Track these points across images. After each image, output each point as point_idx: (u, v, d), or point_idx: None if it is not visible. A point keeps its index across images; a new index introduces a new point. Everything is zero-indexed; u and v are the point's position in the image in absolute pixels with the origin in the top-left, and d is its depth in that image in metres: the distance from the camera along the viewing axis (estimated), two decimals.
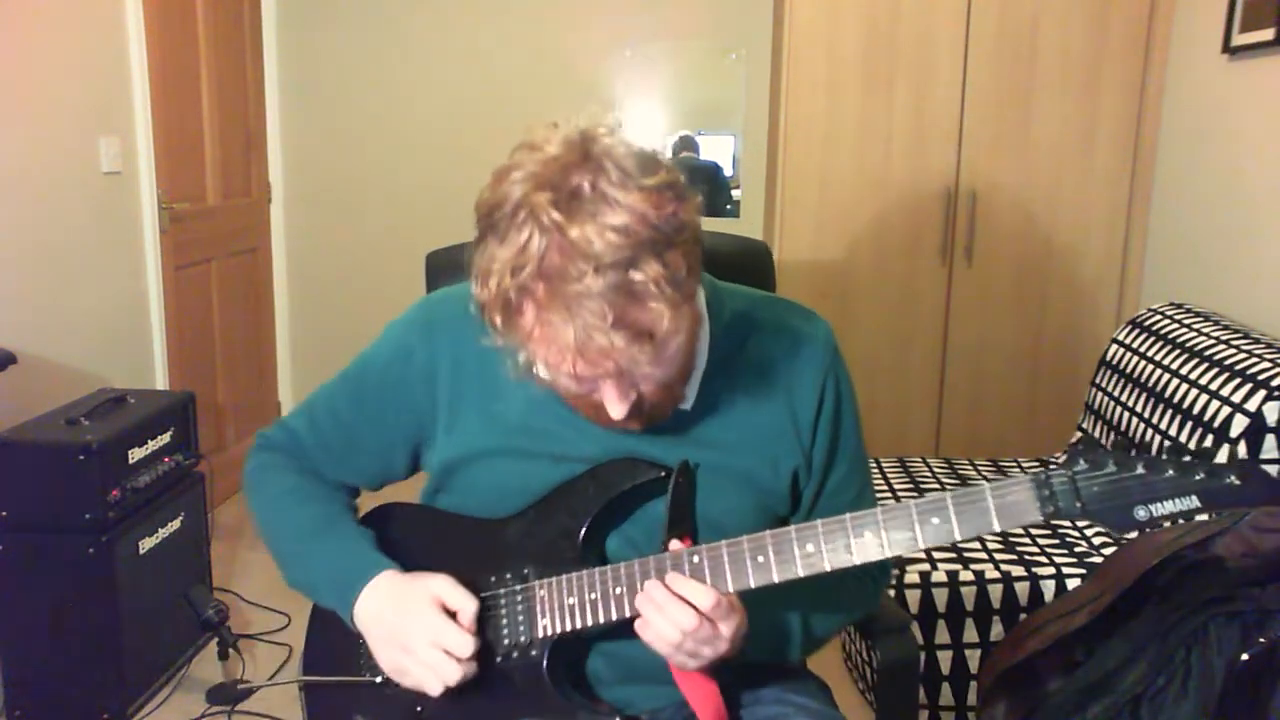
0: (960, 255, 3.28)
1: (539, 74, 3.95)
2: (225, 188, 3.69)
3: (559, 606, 1.12)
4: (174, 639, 2.58)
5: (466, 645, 1.10)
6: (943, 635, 2.19)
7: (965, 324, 3.33)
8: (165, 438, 2.55)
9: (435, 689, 1.11)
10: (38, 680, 2.33)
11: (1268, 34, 2.55)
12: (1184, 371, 2.35)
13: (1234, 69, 2.78)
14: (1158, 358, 2.50)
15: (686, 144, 3.97)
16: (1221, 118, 2.85)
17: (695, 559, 1.06)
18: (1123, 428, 2.57)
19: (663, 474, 1.12)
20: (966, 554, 2.25)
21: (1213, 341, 2.38)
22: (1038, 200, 3.24)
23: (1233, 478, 0.93)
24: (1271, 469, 1.95)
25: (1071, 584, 2.15)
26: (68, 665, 2.31)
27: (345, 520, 1.25)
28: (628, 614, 1.08)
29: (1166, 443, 2.28)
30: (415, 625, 1.11)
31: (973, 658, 2.19)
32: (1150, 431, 2.41)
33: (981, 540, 2.31)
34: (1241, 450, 2.04)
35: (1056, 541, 2.32)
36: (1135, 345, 2.64)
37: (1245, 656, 1.41)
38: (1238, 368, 2.19)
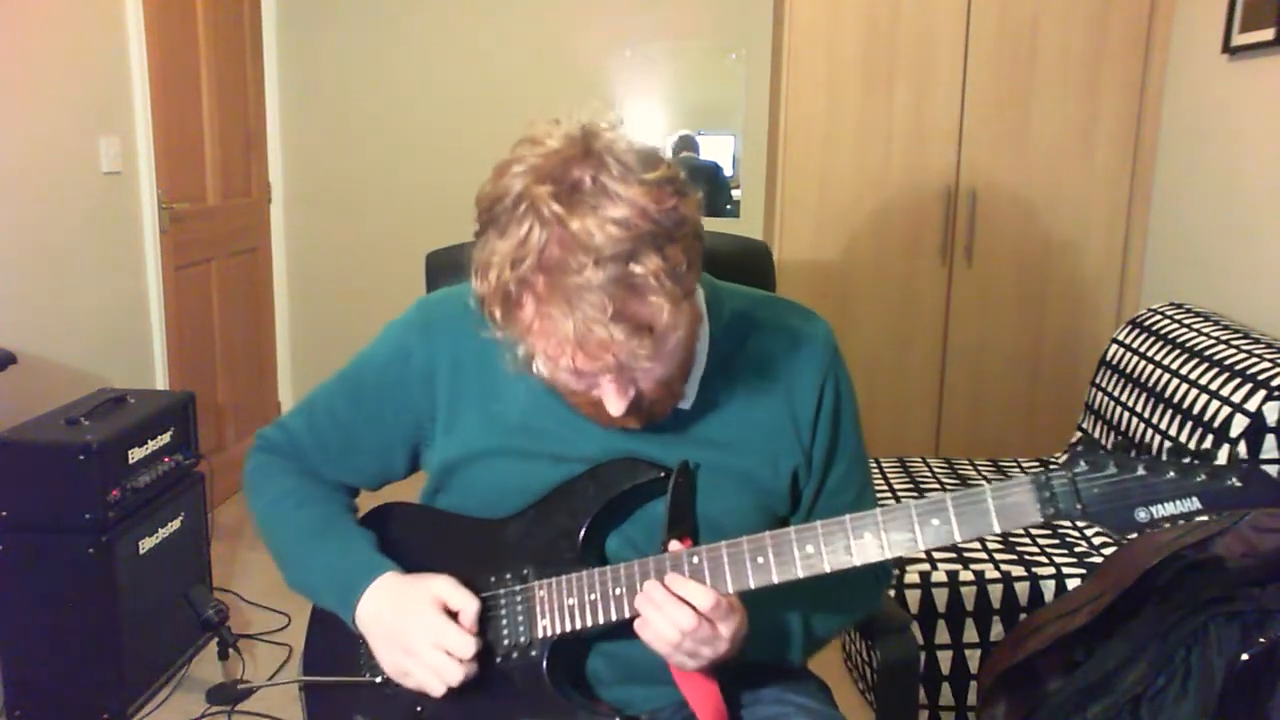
0: (960, 255, 3.28)
1: (539, 74, 3.95)
2: (225, 188, 3.69)
3: (559, 607, 1.12)
4: (174, 639, 2.58)
5: (468, 646, 1.10)
6: (943, 635, 2.19)
7: (965, 324, 3.33)
8: (165, 438, 2.55)
9: (438, 690, 1.11)
10: (38, 680, 2.33)
11: (1268, 34, 2.55)
12: (1184, 371, 2.35)
13: (1234, 69, 2.78)
14: (1158, 358, 2.50)
15: (686, 144, 3.97)
16: (1221, 118, 2.85)
17: (695, 560, 1.06)
18: (1123, 428, 2.57)
19: (662, 474, 1.12)
20: (966, 554, 2.25)
21: (1213, 341, 2.38)
22: (1038, 200, 3.24)
23: (1234, 479, 0.93)
24: (1271, 469, 1.95)
25: (1071, 584, 2.15)
26: (68, 665, 2.31)
27: (345, 521, 1.25)
28: (627, 614, 1.08)
29: (1167, 443, 2.28)
30: (416, 626, 1.11)
31: (973, 658, 2.19)
32: (1150, 432, 2.41)
33: (981, 540, 2.31)
34: (1241, 450, 2.04)
35: (1056, 541, 2.32)
36: (1135, 345, 2.64)
37: (1245, 656, 1.41)
38: (1238, 368, 2.19)
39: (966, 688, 2.20)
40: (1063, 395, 3.31)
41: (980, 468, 2.83)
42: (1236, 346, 2.30)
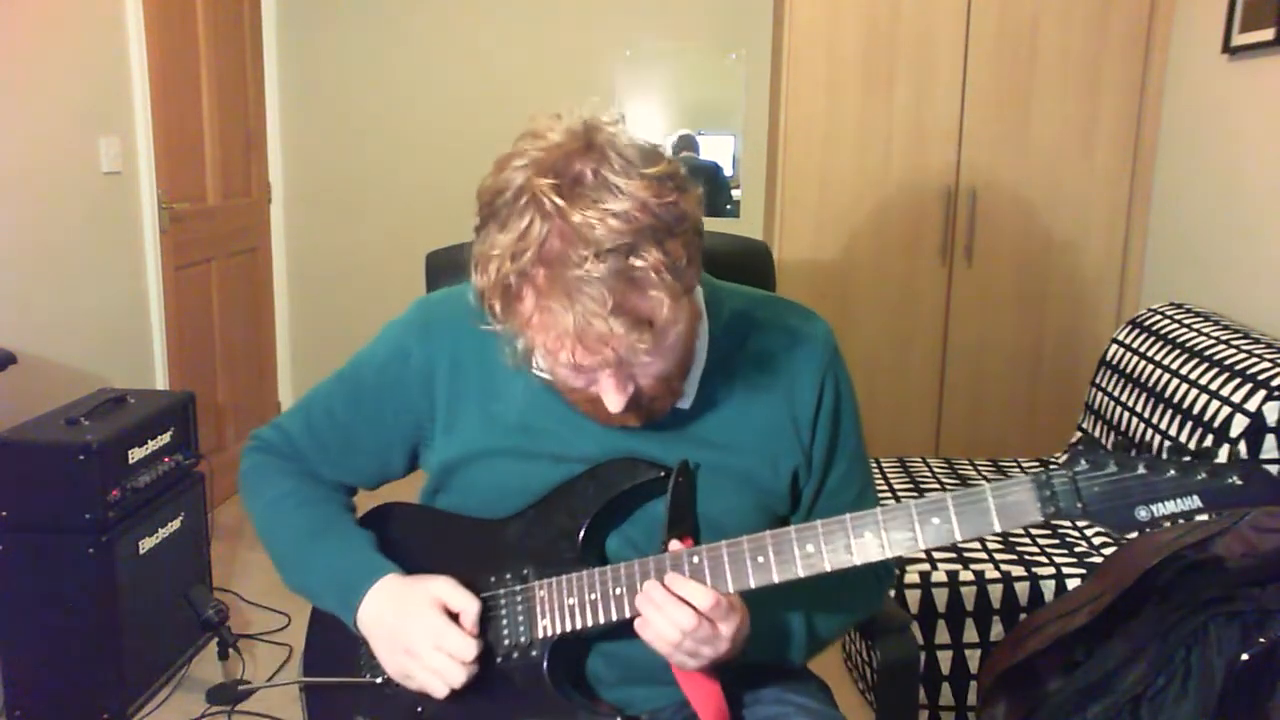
0: (960, 255, 3.28)
1: (539, 74, 3.95)
2: (225, 188, 3.69)
3: (559, 607, 1.12)
4: (174, 639, 2.58)
5: (470, 648, 1.10)
6: (943, 635, 2.18)
7: (965, 324, 3.33)
8: (165, 438, 2.55)
9: (441, 692, 1.11)
10: (38, 680, 2.33)
11: (1268, 34, 2.55)
12: (1184, 371, 2.35)
13: (1234, 69, 2.78)
14: (1158, 358, 2.50)
15: (686, 144, 3.97)
16: (1221, 118, 2.85)
17: (695, 559, 1.06)
18: (1123, 428, 2.57)
19: (662, 474, 1.12)
20: (966, 554, 2.25)
21: (1213, 341, 2.38)
22: (1038, 200, 3.24)
23: (1235, 478, 0.93)
24: (1272, 469, 1.95)
25: (1071, 584, 2.15)
26: (68, 665, 2.31)
27: (345, 522, 1.25)
28: (628, 614, 1.08)
29: (1167, 443, 2.28)
30: (418, 629, 1.11)
31: (973, 658, 2.19)
32: (1150, 431, 2.41)
33: (981, 540, 2.31)
34: (1241, 450, 2.04)
35: (1056, 541, 2.32)
36: (1135, 345, 2.64)
37: (1245, 656, 1.41)
38: (1238, 368, 2.19)
39: (966, 688, 2.20)
40: (1063, 395, 3.31)
41: (980, 468, 2.83)
42: (1236, 346, 2.30)
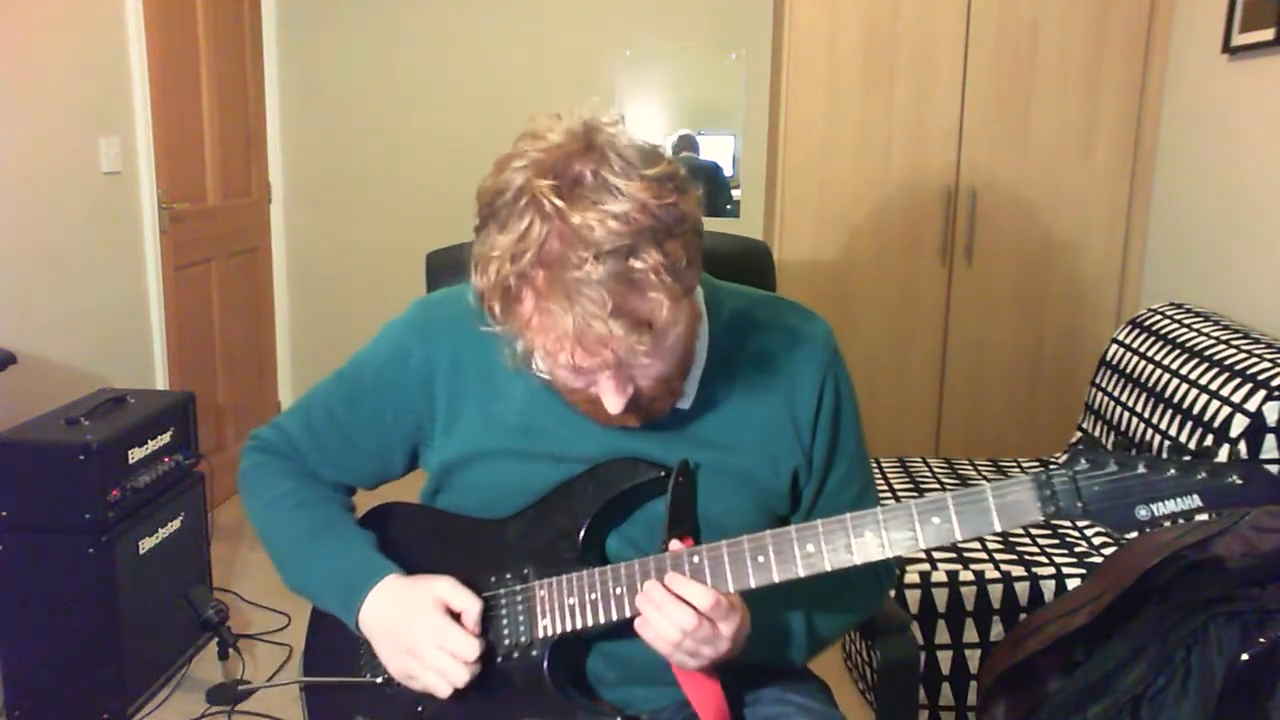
0: (960, 255, 3.28)
1: (539, 74, 3.95)
2: (225, 188, 3.69)
3: (559, 606, 1.12)
4: (174, 639, 2.58)
5: (472, 648, 1.10)
6: (943, 635, 2.18)
7: (965, 324, 3.33)
8: (165, 438, 2.55)
9: (444, 691, 1.11)
10: (38, 680, 2.33)
11: (1268, 34, 2.55)
12: (1184, 371, 2.35)
13: (1234, 69, 2.78)
14: (1158, 358, 2.50)
15: (686, 144, 3.97)
16: (1221, 118, 2.85)
17: (695, 559, 1.06)
18: (1123, 428, 2.57)
19: (662, 473, 1.12)
20: (966, 554, 2.25)
21: (1213, 341, 2.38)
22: (1037, 200, 3.24)
23: (1235, 477, 0.93)
24: (1272, 469, 1.95)
25: (1071, 584, 2.15)
26: (68, 665, 2.31)
27: (345, 522, 1.25)
28: (628, 614, 1.08)
29: (1167, 443, 2.28)
30: (419, 629, 1.11)
31: (973, 658, 2.19)
32: (1150, 431, 2.41)
33: (981, 540, 2.31)
34: (1241, 450, 2.04)
35: (1056, 541, 2.32)
36: (1135, 345, 2.64)
37: (1245, 656, 1.41)
38: (1238, 368, 2.19)
39: (966, 688, 2.20)
40: (1063, 395, 3.31)
41: (980, 468, 2.83)
42: (1236, 346, 2.30)
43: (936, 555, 2.24)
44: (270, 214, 4.11)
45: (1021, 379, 3.35)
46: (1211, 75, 2.89)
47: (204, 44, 3.49)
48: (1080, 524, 2.40)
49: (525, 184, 0.93)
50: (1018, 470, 2.83)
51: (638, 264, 0.92)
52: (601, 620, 1.10)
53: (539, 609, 1.13)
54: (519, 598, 1.14)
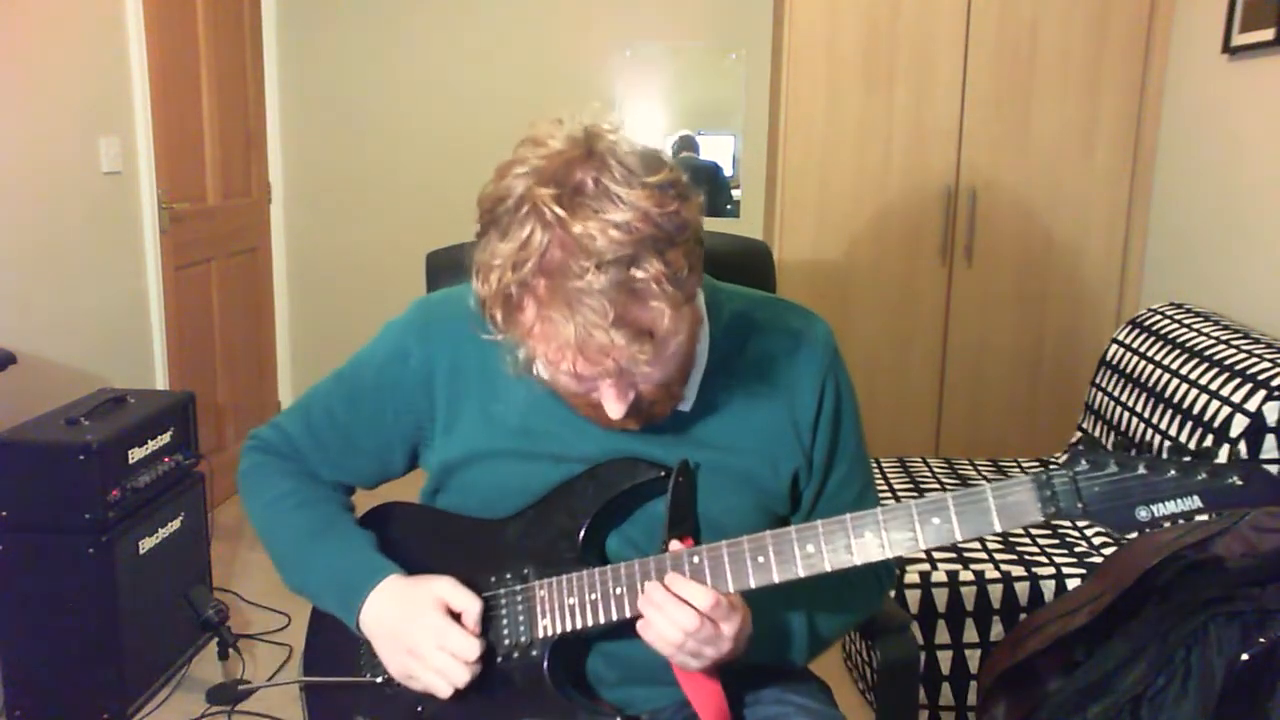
0: (960, 255, 3.28)
1: (539, 74, 3.95)
2: (225, 188, 3.69)
3: (559, 607, 1.12)
4: (174, 639, 2.58)
5: (473, 648, 1.10)
6: (943, 635, 2.18)
7: (965, 324, 3.33)
8: (165, 438, 2.55)
9: (445, 691, 1.11)
10: (38, 680, 2.33)
11: (1268, 34, 2.56)
12: (1184, 371, 2.35)
13: (1234, 69, 2.78)
14: (1158, 358, 2.50)
15: (686, 144, 3.97)
16: (1221, 118, 2.85)
17: (695, 559, 1.06)
18: (1123, 428, 2.57)
19: (662, 474, 1.12)
20: (966, 554, 2.25)
21: (1213, 341, 2.38)
22: (1038, 200, 3.24)
23: (1235, 478, 0.93)
24: (1272, 469, 1.95)
25: (1071, 584, 2.15)
26: (68, 665, 2.31)
27: (345, 523, 1.25)
28: (628, 614, 1.08)
29: (1167, 443, 2.28)
30: (420, 629, 1.11)
31: (973, 658, 2.19)
32: (1150, 431, 2.41)
33: (981, 540, 2.31)
34: (1241, 450, 2.04)
35: (1056, 541, 2.32)
36: (1135, 345, 2.64)
37: (1245, 656, 1.41)
38: (1238, 368, 2.19)
39: (966, 688, 2.20)
40: (1063, 395, 3.31)
41: (980, 468, 2.83)
42: (1236, 346, 2.30)
43: (936, 555, 2.24)
44: (270, 214, 4.11)
45: (1021, 379, 3.35)
46: (1211, 75, 2.89)
47: (204, 44, 3.49)
48: (1080, 524, 2.40)
49: (526, 192, 0.93)
50: (1018, 470, 2.83)
51: (639, 273, 0.92)
52: (601, 620, 1.10)
53: (539, 609, 1.13)
54: (519, 598, 1.14)
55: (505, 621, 1.15)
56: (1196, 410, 2.23)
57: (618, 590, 1.09)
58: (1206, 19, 2.89)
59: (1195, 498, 0.94)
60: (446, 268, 1.52)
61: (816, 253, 3.31)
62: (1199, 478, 0.94)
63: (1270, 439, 2.03)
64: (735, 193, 3.98)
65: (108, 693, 2.33)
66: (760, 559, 1.04)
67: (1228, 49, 2.77)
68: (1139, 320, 2.73)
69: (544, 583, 1.13)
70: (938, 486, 2.66)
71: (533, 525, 1.16)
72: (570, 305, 0.91)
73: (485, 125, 3.92)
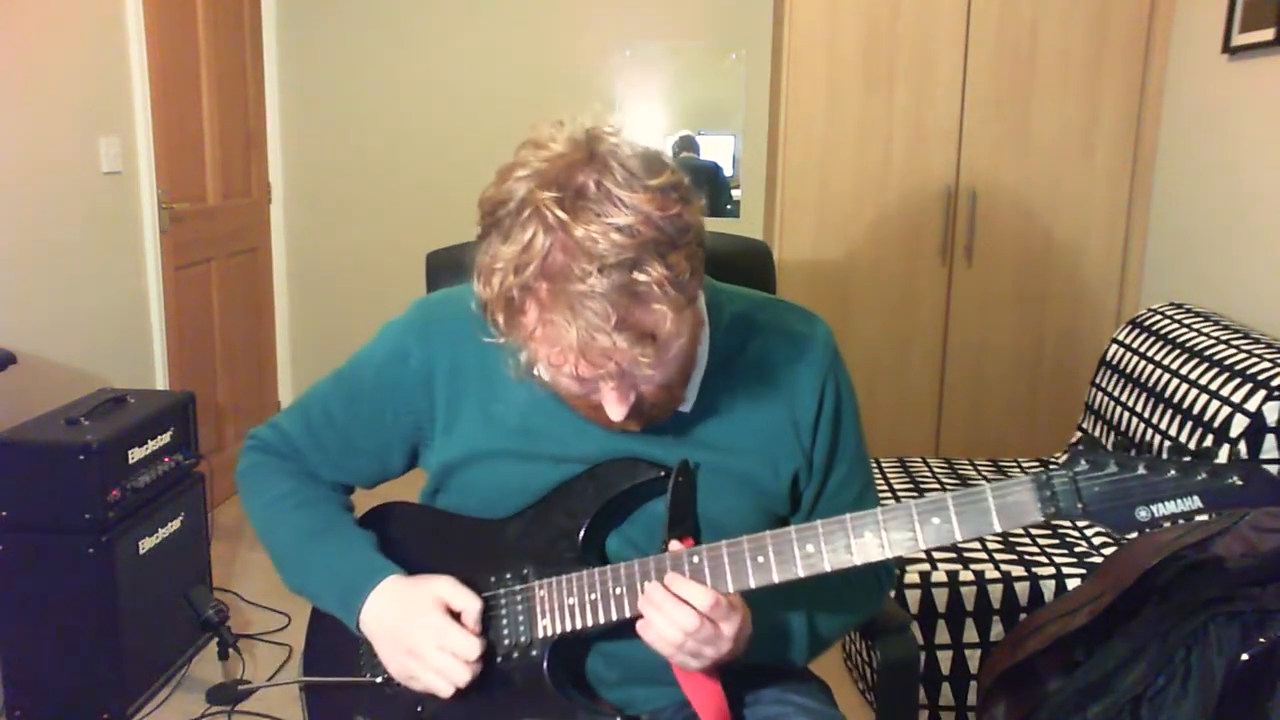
0: (960, 255, 3.28)
1: (539, 74, 3.95)
2: (225, 188, 3.69)
3: (559, 607, 1.12)
4: (174, 639, 2.58)
5: (473, 647, 1.10)
6: (943, 635, 2.18)
7: (965, 324, 3.33)
8: (165, 438, 2.55)
9: (445, 691, 1.11)
10: (38, 680, 2.33)
11: (1268, 34, 2.56)
12: (1184, 371, 2.35)
13: (1234, 69, 2.78)
14: (1158, 358, 2.50)
15: (686, 144, 3.97)
16: (1221, 118, 2.85)
17: (695, 559, 1.06)
18: (1123, 428, 2.57)
19: (662, 473, 1.12)
20: (966, 554, 2.25)
21: (1213, 341, 2.38)
22: (1038, 200, 3.24)
23: (1235, 478, 0.93)
24: (1272, 469, 1.95)
25: (1071, 584, 2.15)
26: (68, 665, 2.31)
27: (344, 523, 1.25)
28: (628, 614, 1.08)
29: (1167, 443, 2.28)
30: (420, 629, 1.11)
31: (973, 658, 2.19)
32: (1150, 431, 2.41)
33: (981, 540, 2.31)
34: (1241, 450, 2.04)
35: (1056, 541, 2.32)
36: (1135, 345, 2.64)
37: (1245, 656, 1.41)
38: (1238, 368, 2.19)
39: (966, 688, 2.20)
40: (1063, 395, 3.31)
41: (980, 468, 2.83)
42: (1236, 346, 2.30)
43: (936, 555, 2.24)
44: (270, 214, 4.11)
45: (1021, 379, 3.35)
46: (1211, 75, 2.89)
47: (204, 44, 3.49)
48: (1080, 524, 2.40)
49: (528, 195, 0.93)
50: (1018, 470, 2.83)
51: (641, 276, 0.91)
52: (601, 620, 1.10)
53: (539, 609, 1.13)
54: (519, 598, 1.14)
55: (505, 621, 1.15)
56: (1196, 410, 2.23)
57: (617, 590, 1.09)
58: (1206, 19, 2.89)
59: (1195, 498, 0.94)
60: (446, 268, 1.52)
61: (816, 253, 3.31)
62: (1199, 478, 0.94)
63: (1270, 439, 2.03)
64: (735, 193, 3.98)
65: (108, 693, 2.33)
66: (760, 559, 1.04)
67: (1228, 49, 2.77)
68: (1139, 320, 2.73)
69: (544, 583, 1.13)
70: (938, 486, 2.66)
71: (532, 525, 1.16)
72: (572, 309, 0.91)
73: (485, 125, 3.92)
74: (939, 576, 2.18)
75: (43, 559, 2.28)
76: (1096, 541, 2.30)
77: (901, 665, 1.42)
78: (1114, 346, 2.75)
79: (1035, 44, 3.15)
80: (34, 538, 2.28)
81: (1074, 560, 2.22)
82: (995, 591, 2.17)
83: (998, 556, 2.24)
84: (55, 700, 2.34)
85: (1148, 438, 2.41)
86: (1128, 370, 2.62)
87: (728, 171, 3.98)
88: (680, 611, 1.03)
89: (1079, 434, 2.87)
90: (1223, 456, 0.94)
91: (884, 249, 3.30)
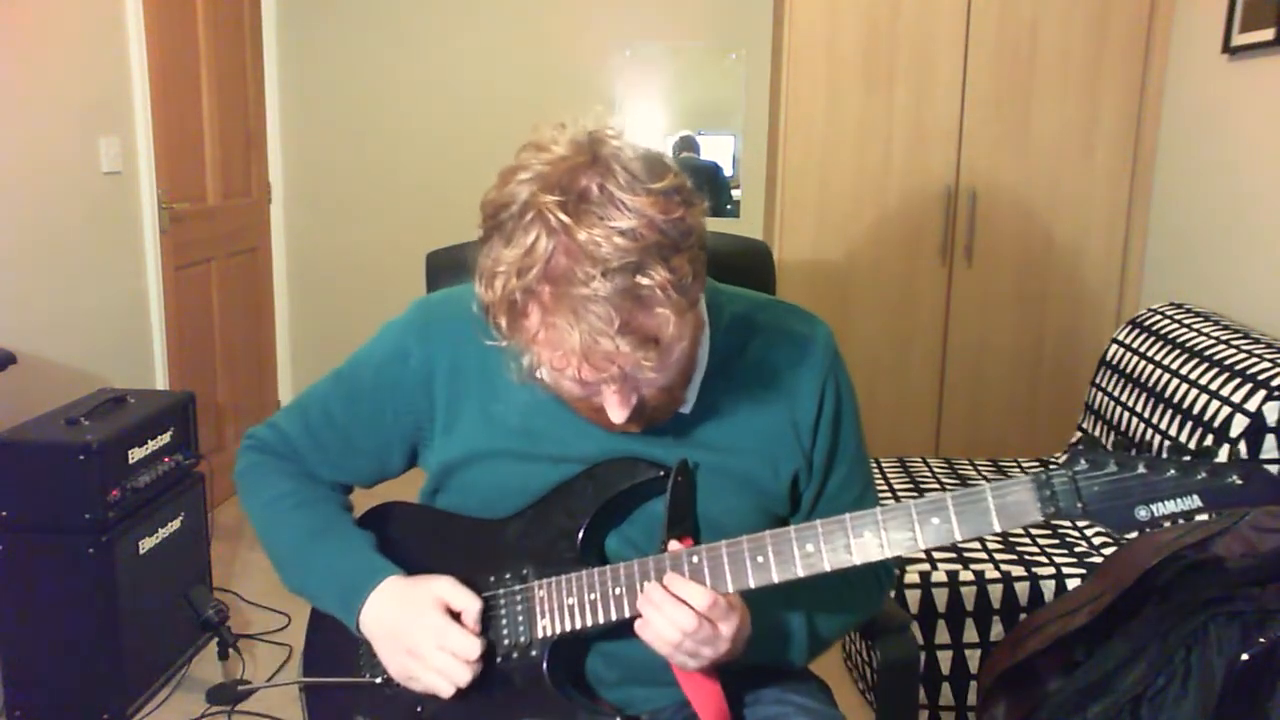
0: (960, 255, 3.28)
1: (539, 74, 3.95)
2: (225, 188, 3.69)
3: (558, 607, 1.12)
4: (174, 639, 2.58)
5: (474, 647, 1.10)
6: (943, 635, 2.18)
7: (965, 324, 3.33)
8: (165, 438, 2.55)
9: (446, 691, 1.11)
10: (38, 680, 2.33)
11: (1268, 34, 2.55)
12: (1184, 371, 2.35)
13: (1234, 69, 2.78)
14: (1158, 358, 2.50)
15: (686, 144, 3.97)
16: (1221, 118, 2.85)
17: (695, 559, 1.06)
18: (1123, 428, 2.57)
19: (661, 473, 1.12)
20: (966, 554, 2.25)
21: (1213, 341, 2.38)
22: (1038, 200, 3.24)
23: (1235, 477, 0.93)
24: (1272, 469, 1.95)
25: (1071, 584, 2.15)
26: (68, 665, 2.31)
27: (344, 523, 1.25)
28: (627, 614, 1.08)
29: (1167, 443, 2.28)
30: (420, 629, 1.11)
31: (973, 658, 2.19)
32: (1150, 431, 2.41)
33: (981, 540, 2.31)
34: (1241, 450, 2.04)
35: (1056, 541, 2.32)
36: (1135, 345, 2.64)
37: (1245, 656, 1.41)
38: (1238, 368, 2.19)
39: (966, 688, 2.20)
40: (1063, 395, 3.31)
41: (980, 468, 2.83)
42: (1236, 346, 2.30)
43: (936, 555, 2.24)
44: (270, 214, 4.11)
45: (1021, 379, 3.35)
46: (1211, 75, 2.89)
47: (204, 44, 3.49)
48: (1080, 524, 2.40)
49: (531, 198, 0.93)
50: (1018, 470, 2.83)
51: (644, 280, 0.91)
52: (600, 621, 1.10)
53: (538, 609, 1.13)
54: (518, 598, 1.14)
55: (504, 622, 1.15)
56: (1196, 410, 2.23)
57: (617, 590, 1.09)
58: (1206, 19, 2.89)
59: (1195, 497, 0.94)
60: (446, 268, 1.52)
61: (816, 253, 3.31)
62: (1199, 477, 0.94)
63: (1270, 439, 2.03)
64: (735, 193, 3.98)
65: (108, 693, 2.33)
66: (760, 559, 1.04)
67: (1228, 49, 2.77)
68: (1139, 320, 2.73)
69: (543, 583, 1.13)
70: (938, 486, 2.66)
71: (532, 525, 1.16)
72: (575, 312, 0.91)
73: (485, 125, 3.92)
74: (939, 576, 2.18)
75: (43, 559, 2.28)
76: (1096, 541, 2.30)
77: (901, 665, 1.42)
78: (1114, 346, 2.75)
79: (1035, 44, 3.15)
80: (34, 538, 2.28)
81: (1074, 560, 2.22)
82: (995, 591, 2.17)
83: (998, 556, 2.24)
84: (55, 700, 2.34)
85: (1148, 438, 2.41)
86: (1128, 370, 2.62)
87: (728, 171, 3.98)
88: (679, 611, 1.03)
89: (1079, 434, 2.87)
90: (1223, 456, 0.94)
91: (884, 249, 3.30)
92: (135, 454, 2.42)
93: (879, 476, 2.73)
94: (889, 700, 1.45)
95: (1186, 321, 2.57)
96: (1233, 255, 2.77)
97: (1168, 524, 0.95)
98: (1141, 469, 0.95)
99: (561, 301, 0.92)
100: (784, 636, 1.21)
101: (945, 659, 2.20)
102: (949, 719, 2.23)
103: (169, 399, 2.63)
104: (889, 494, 2.59)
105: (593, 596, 1.10)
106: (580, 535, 1.13)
